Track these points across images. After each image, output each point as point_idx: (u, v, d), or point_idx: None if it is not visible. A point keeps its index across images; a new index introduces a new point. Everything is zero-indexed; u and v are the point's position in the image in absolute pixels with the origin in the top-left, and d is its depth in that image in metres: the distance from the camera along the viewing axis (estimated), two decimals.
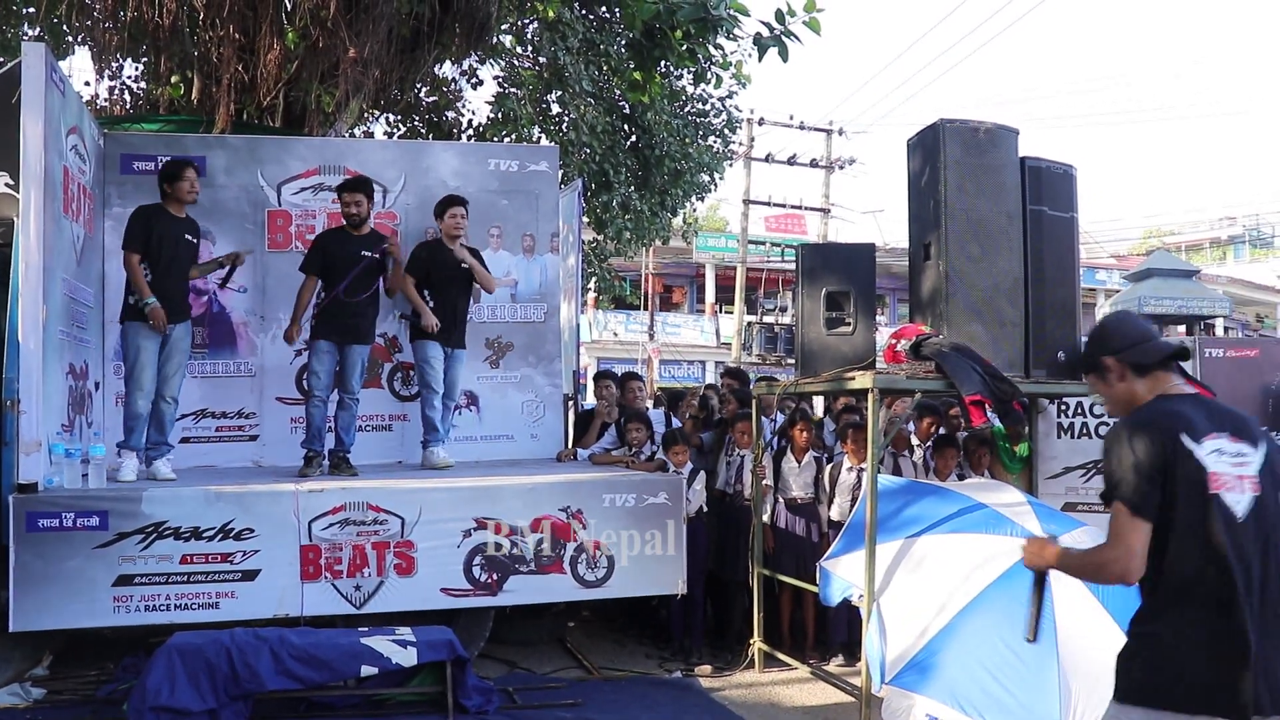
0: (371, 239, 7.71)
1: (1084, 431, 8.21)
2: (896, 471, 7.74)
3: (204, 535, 6.44)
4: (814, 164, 27.30)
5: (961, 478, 7.78)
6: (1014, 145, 6.70)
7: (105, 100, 11.27)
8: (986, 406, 6.29)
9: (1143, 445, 2.93)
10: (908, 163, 7.05)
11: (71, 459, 6.71)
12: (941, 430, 8.52)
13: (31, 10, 11.51)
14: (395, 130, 14.41)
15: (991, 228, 6.57)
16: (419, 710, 6.38)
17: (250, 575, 6.51)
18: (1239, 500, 2.92)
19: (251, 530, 6.52)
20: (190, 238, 7.38)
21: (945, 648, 5.51)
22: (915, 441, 8.38)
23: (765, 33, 9.96)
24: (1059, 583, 5.46)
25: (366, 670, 6.19)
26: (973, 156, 6.53)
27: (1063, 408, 8.29)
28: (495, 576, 6.85)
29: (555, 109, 14.12)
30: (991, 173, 6.57)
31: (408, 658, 6.26)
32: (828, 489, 7.95)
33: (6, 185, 6.88)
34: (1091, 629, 5.21)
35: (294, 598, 6.58)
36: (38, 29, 11.29)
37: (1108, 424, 8.04)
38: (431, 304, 7.80)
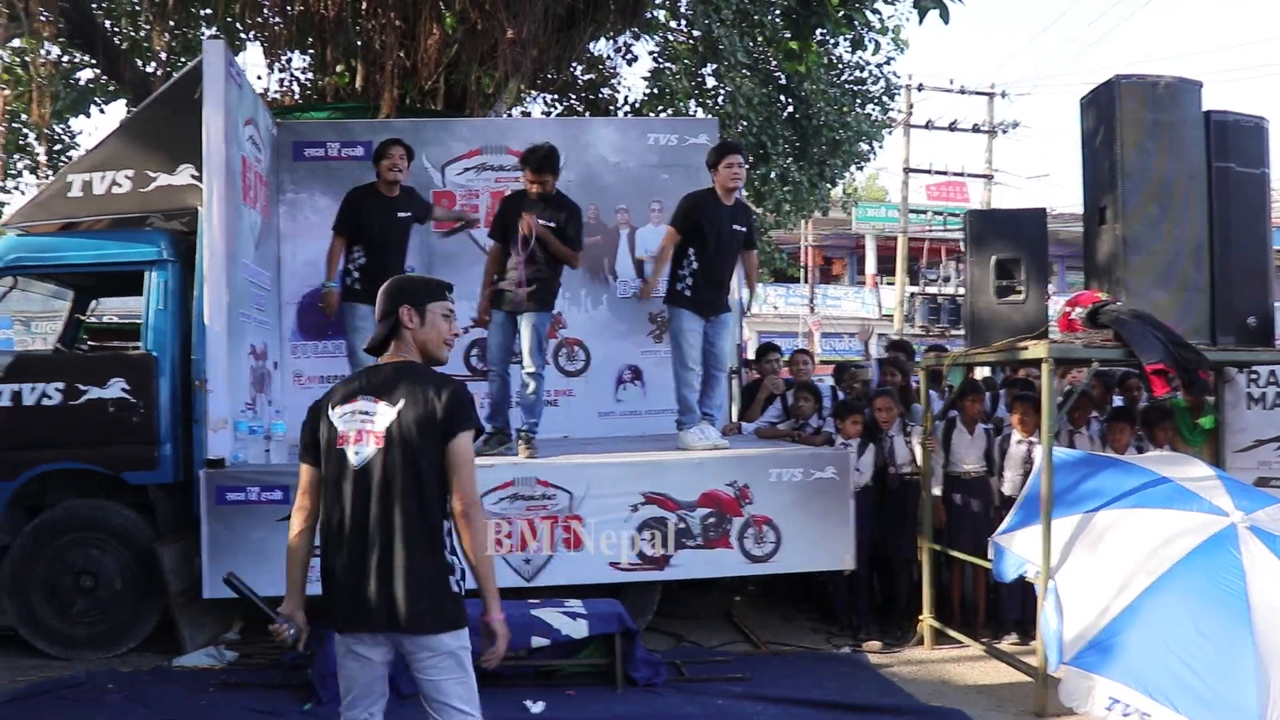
0: (549, 205, 7.28)
1: (1277, 402, 7.77)
2: (1070, 447, 7.47)
3: None
4: (976, 129, 26.70)
5: (1140, 451, 7.48)
6: (1197, 99, 6.37)
7: (275, 92, 11.69)
8: (1170, 375, 6.02)
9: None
10: (1080, 122, 6.79)
11: (255, 436, 7.04)
12: (1118, 402, 8.21)
13: (208, 11, 12.01)
14: (551, 109, 14.57)
15: (1172, 187, 6.27)
16: (588, 681, 6.43)
17: None
18: (359, 451, 3.42)
19: None
20: (404, 214, 7.51)
21: (1128, 628, 5.31)
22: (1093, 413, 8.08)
23: None
24: (1255, 566, 5.23)
25: (537, 641, 6.26)
26: (1152, 113, 6.23)
27: (1253, 377, 7.83)
28: (663, 551, 6.86)
29: (711, 82, 14.07)
30: (1172, 129, 6.25)
31: (578, 630, 6.32)
32: (998, 462, 7.74)
33: (192, 176, 7.18)
34: None
35: (465, 571, 6.69)
36: (214, 28, 11.77)
37: None
38: (696, 265, 7.38)
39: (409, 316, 3.50)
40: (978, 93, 26.66)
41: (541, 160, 7.16)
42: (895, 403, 7.90)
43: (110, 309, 11.92)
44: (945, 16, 9.61)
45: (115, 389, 6.96)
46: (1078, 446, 7.53)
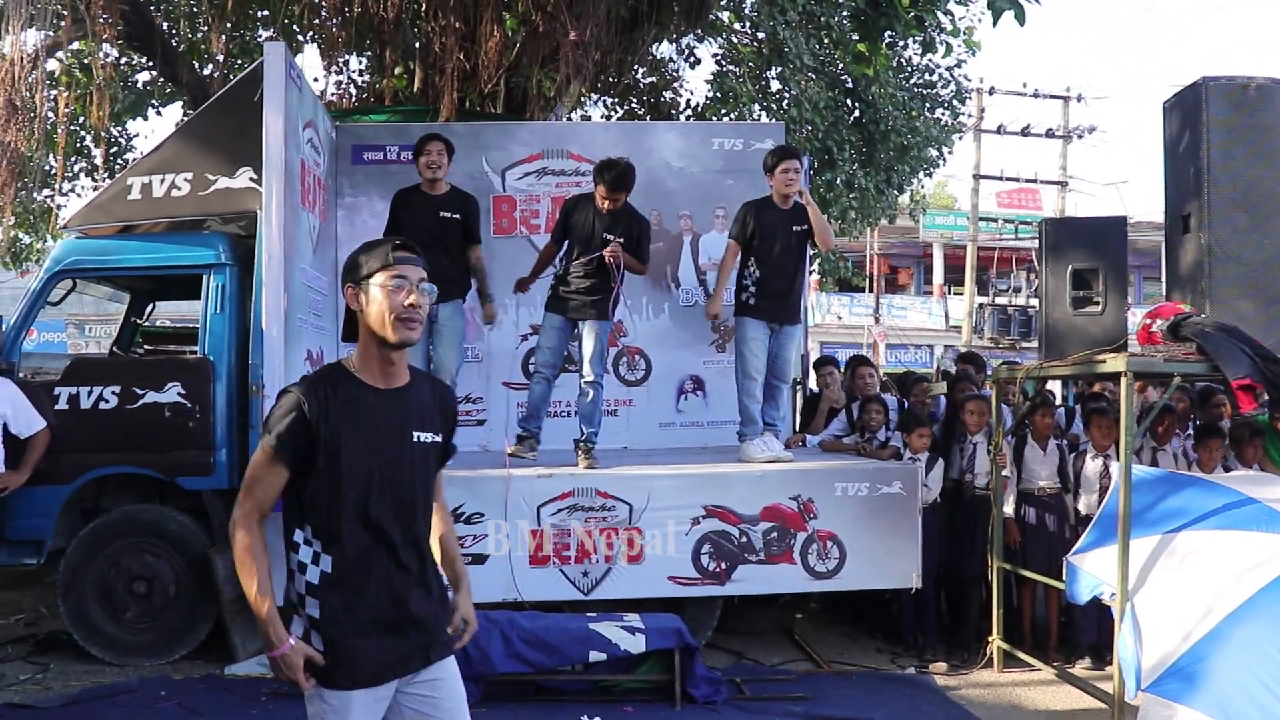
0: (619, 219, 7.15)
1: None
2: (1153, 464, 7.19)
3: None
4: (1049, 134, 26.24)
5: (1226, 470, 7.18)
6: None
7: (333, 95, 11.70)
8: (1257, 391, 5.75)
9: None
10: (1164, 127, 6.55)
11: None
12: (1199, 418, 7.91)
13: (266, 13, 12.06)
14: (612, 113, 14.47)
15: (1263, 194, 6.02)
16: (646, 698, 6.31)
17: (480, 559, 6.56)
18: None
19: (481, 514, 6.58)
20: (448, 214, 7.26)
21: (1212, 655, 5.05)
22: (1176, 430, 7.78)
23: None
24: None
25: (595, 656, 6.16)
26: (1242, 116, 5.97)
27: None
28: (724, 565, 6.71)
29: (775, 85, 13.88)
30: (1264, 133, 5.99)
31: (636, 644, 6.20)
32: (1073, 479, 7.48)
33: (251, 180, 7.15)
34: None
35: (522, 582, 6.61)
36: (271, 31, 11.82)
37: None
38: (758, 273, 7.25)
39: (353, 298, 2.98)
40: (1052, 96, 26.21)
41: (618, 179, 7.01)
42: (988, 407, 7.65)
43: (163, 313, 12.01)
44: (1021, 17, 9.31)
45: (171, 393, 6.94)
46: (1160, 464, 7.26)
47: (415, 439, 3.04)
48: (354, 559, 2.93)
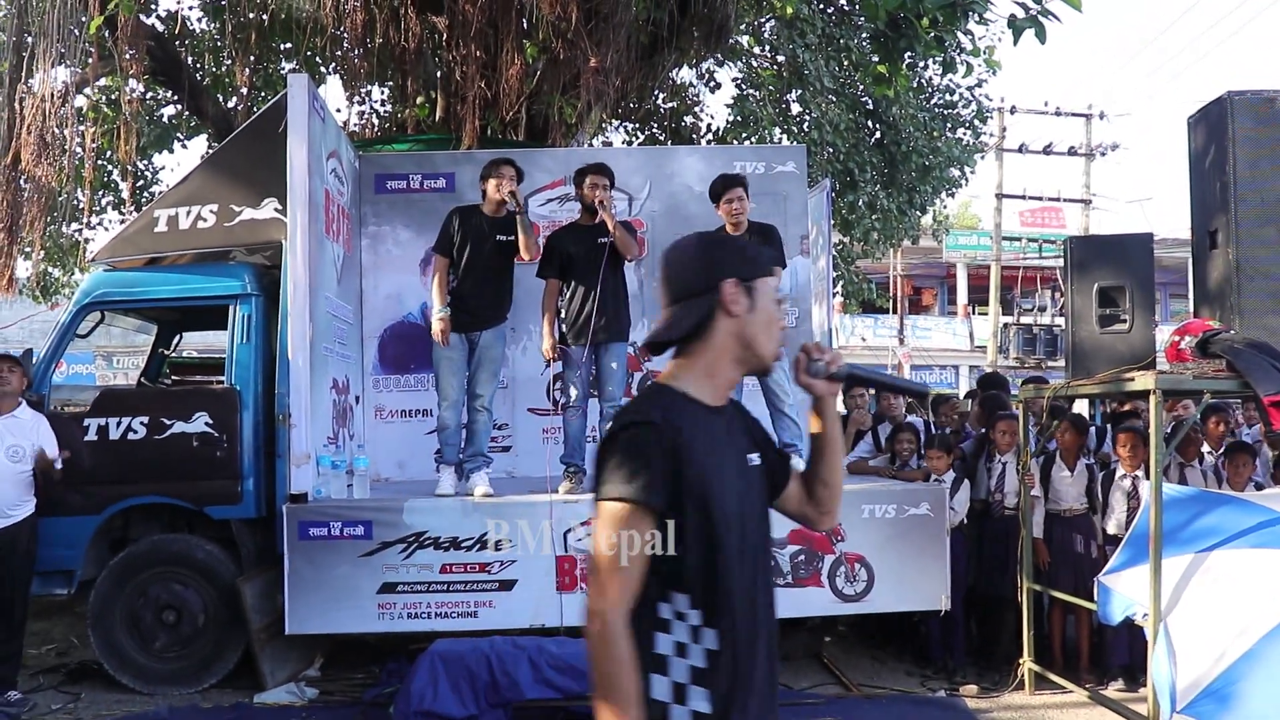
0: (603, 228, 7.07)
1: None
2: (1182, 483, 7.11)
3: (462, 545, 6.55)
4: (1072, 152, 26.06)
5: (1259, 488, 7.10)
6: None
7: (355, 125, 11.78)
8: None
9: None
10: (1189, 142, 6.49)
11: (337, 470, 7.00)
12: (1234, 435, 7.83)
13: (288, 46, 12.17)
14: (633, 139, 14.51)
15: None
16: None
17: (507, 585, 6.57)
18: None
19: (508, 541, 6.57)
20: (504, 237, 7.08)
21: (1247, 676, 4.97)
22: (1206, 448, 7.69)
23: (1020, 13, 9.39)
24: None
25: None
26: (1268, 130, 5.92)
27: None
28: None
29: (796, 108, 13.89)
30: None
31: None
32: (1101, 499, 7.40)
33: (275, 210, 7.20)
34: None
35: (550, 608, 6.60)
36: (294, 63, 11.93)
37: None
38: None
39: (734, 298, 2.25)
40: (1074, 114, 26.06)
41: (599, 165, 7.12)
42: (1020, 427, 7.57)
43: (190, 343, 12.09)
44: (1041, 36, 9.27)
45: (199, 423, 6.98)
46: (1190, 482, 7.18)
47: (750, 463, 2.37)
48: (740, 631, 2.22)
